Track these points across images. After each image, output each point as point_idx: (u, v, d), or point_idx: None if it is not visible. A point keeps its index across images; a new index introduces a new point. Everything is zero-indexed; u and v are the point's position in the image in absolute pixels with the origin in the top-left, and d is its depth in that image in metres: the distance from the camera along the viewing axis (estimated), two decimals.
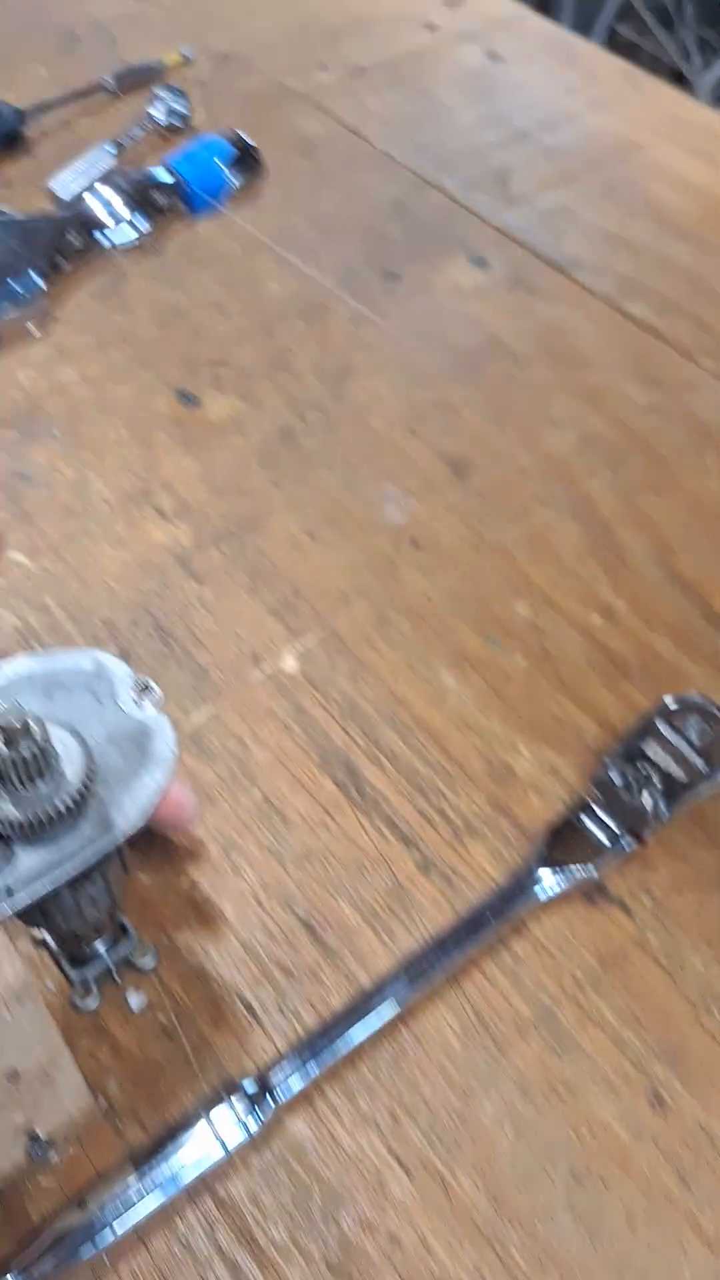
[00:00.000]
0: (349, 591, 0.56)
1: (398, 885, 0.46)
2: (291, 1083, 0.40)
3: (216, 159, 0.29)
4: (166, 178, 0.28)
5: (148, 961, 0.43)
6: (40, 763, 0.31)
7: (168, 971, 0.44)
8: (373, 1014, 0.41)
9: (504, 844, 0.47)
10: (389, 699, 0.52)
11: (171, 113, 0.83)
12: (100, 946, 0.42)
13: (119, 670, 0.36)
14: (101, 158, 0.80)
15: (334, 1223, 0.38)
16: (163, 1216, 0.38)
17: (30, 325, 0.23)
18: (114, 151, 0.80)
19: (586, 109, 0.88)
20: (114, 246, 0.27)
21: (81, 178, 0.78)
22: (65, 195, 0.77)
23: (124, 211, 0.26)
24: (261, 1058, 0.42)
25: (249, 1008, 0.43)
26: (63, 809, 0.31)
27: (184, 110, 0.84)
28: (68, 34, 0.93)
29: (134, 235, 0.28)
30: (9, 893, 0.32)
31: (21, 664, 0.36)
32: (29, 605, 0.55)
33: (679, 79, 1.99)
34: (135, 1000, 0.43)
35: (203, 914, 0.45)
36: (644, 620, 0.55)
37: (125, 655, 0.53)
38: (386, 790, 0.49)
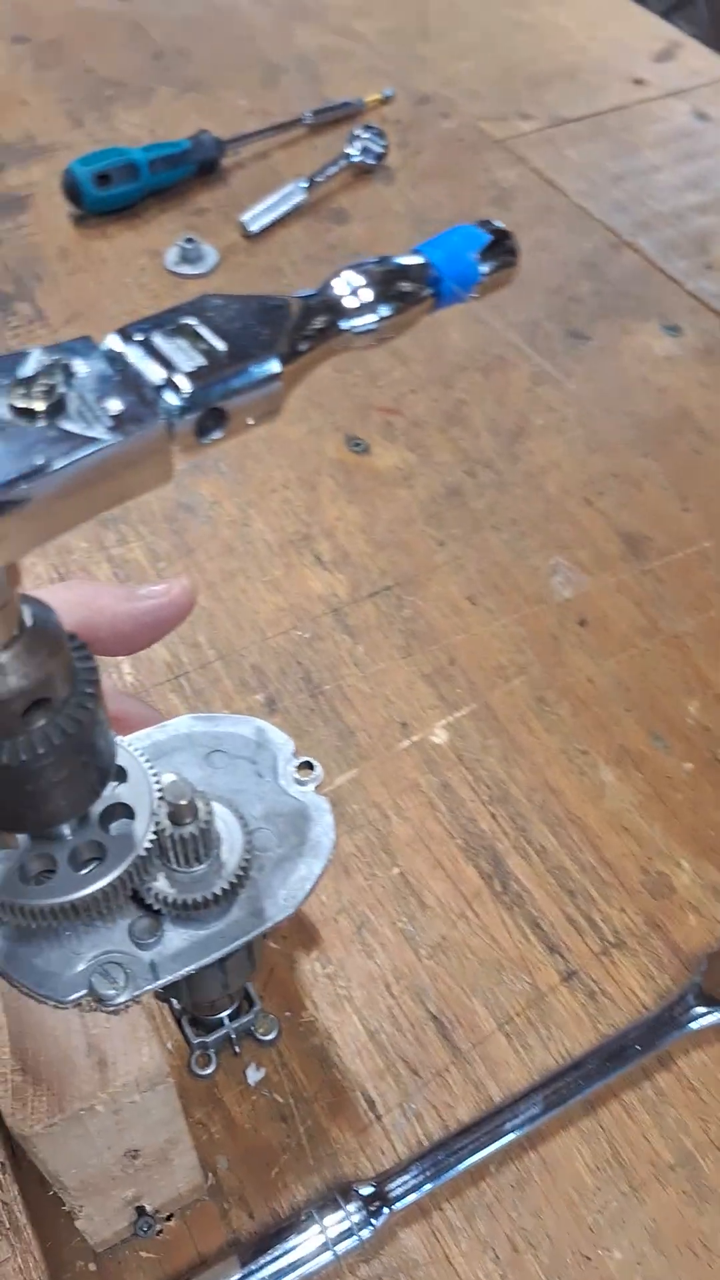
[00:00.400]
0: (508, 665, 0.54)
1: (537, 993, 0.43)
2: (409, 1194, 0.37)
3: (471, 252, 0.28)
4: (417, 265, 0.27)
5: (270, 1035, 0.42)
6: (202, 844, 0.29)
7: (289, 1048, 0.42)
8: (500, 1136, 0.38)
9: (656, 965, 0.44)
10: (542, 787, 0.49)
11: (366, 151, 0.83)
12: (224, 1014, 0.41)
13: (281, 743, 0.35)
14: (294, 193, 0.80)
15: None
16: None
17: (250, 420, 0.22)
18: (306, 186, 0.80)
19: None
20: (355, 333, 0.26)
21: (270, 212, 0.79)
22: (253, 228, 0.78)
23: (368, 296, 0.25)
24: (378, 1159, 0.39)
25: (370, 1102, 0.41)
26: (219, 894, 0.30)
27: (380, 149, 0.83)
28: (273, 67, 0.94)
29: (375, 321, 0.26)
30: (154, 970, 0.30)
31: (184, 723, 0.35)
32: (181, 640, 0.54)
33: None
34: (254, 1075, 0.41)
35: (330, 992, 0.43)
36: None
37: (272, 704, 0.51)
38: (533, 887, 0.46)
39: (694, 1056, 0.42)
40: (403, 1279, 0.37)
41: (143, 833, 0.29)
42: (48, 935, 0.30)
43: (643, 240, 0.78)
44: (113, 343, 0.23)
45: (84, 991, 0.30)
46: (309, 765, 0.34)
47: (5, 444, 0.20)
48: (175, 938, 0.31)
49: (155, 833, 0.29)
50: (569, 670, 0.53)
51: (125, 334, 0.23)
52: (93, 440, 0.20)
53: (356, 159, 0.83)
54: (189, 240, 0.75)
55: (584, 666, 0.54)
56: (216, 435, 0.23)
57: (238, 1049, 0.41)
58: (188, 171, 0.81)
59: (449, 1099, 0.41)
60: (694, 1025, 0.41)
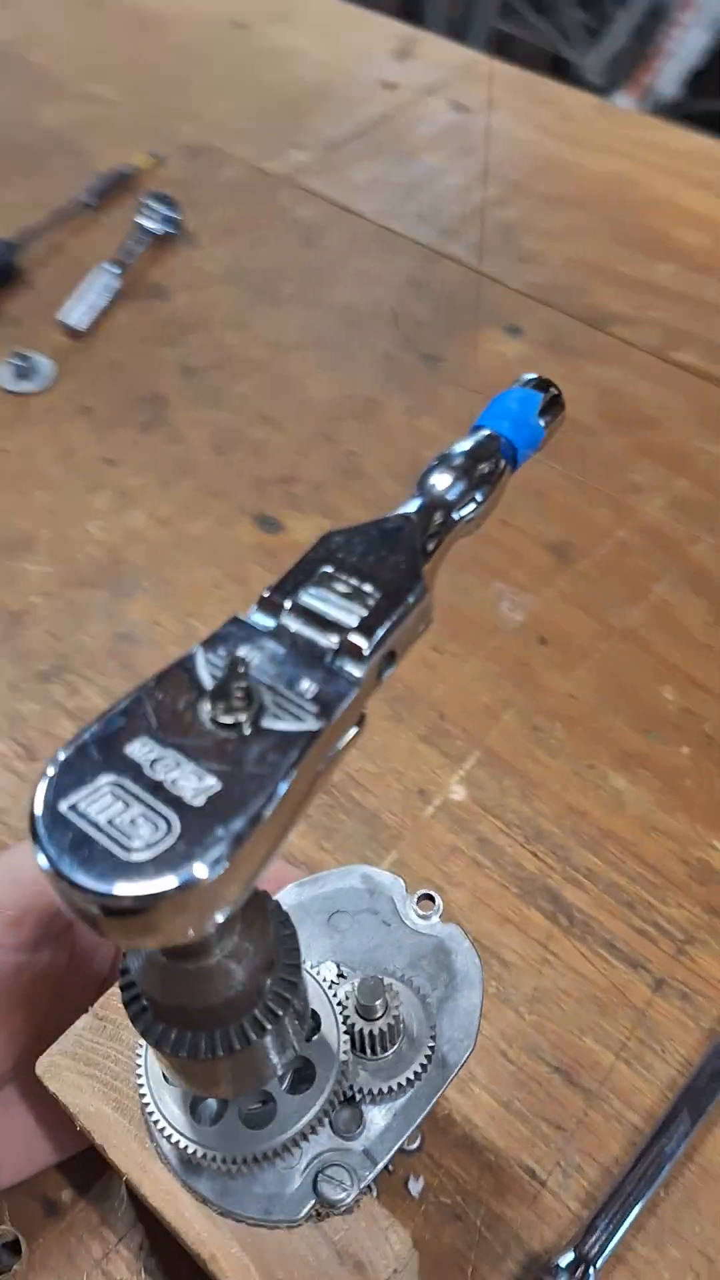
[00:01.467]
0: (492, 704, 0.55)
1: (637, 1012, 0.45)
2: (605, 1247, 0.39)
3: (533, 415, 0.29)
4: (491, 444, 0.28)
5: (415, 1144, 0.42)
6: (396, 1030, 0.30)
7: (436, 1148, 0.43)
8: (665, 1161, 0.41)
9: None
10: (567, 812, 0.51)
11: (166, 220, 0.82)
12: None
13: (391, 883, 0.36)
14: (104, 279, 0.78)
15: None
16: None
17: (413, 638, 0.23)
18: (117, 271, 0.78)
19: (569, 149, 0.88)
20: (464, 522, 0.27)
21: (89, 306, 0.77)
22: (79, 325, 0.76)
23: (463, 487, 0.26)
24: (558, 1224, 0.41)
25: (529, 1172, 0.42)
26: (421, 1070, 0.30)
27: (175, 215, 0.82)
28: (30, 152, 0.91)
29: (475, 507, 0.27)
30: (369, 1157, 0.31)
31: (291, 893, 0.35)
32: None
33: (558, 65, 1.99)
34: (415, 1186, 0.42)
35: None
36: None
37: None
38: (594, 912, 0.48)
39: None
40: None
41: (335, 1036, 0.29)
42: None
43: (455, 248, 0.80)
44: (261, 617, 0.23)
45: (313, 1202, 0.30)
46: (429, 898, 0.35)
47: (222, 765, 0.20)
48: (377, 1116, 0.31)
49: (347, 1031, 0.30)
50: (549, 691, 0.56)
51: (270, 604, 0.23)
52: (306, 734, 0.20)
53: (154, 229, 0.81)
54: (17, 356, 0.73)
55: (560, 684, 0.56)
56: (391, 669, 0.23)
57: (390, 1168, 0.42)
58: None
59: (598, 1141, 0.43)
60: None
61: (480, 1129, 0.43)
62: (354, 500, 0.64)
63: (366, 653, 0.22)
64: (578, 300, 0.75)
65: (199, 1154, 0.29)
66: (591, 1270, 0.39)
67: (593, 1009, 0.46)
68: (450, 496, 0.27)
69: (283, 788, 0.20)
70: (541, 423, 0.29)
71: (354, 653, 0.22)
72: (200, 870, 0.18)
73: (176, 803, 0.19)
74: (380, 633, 0.23)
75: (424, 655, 0.57)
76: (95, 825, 0.19)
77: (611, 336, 0.73)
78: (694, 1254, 0.40)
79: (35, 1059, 0.38)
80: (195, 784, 0.19)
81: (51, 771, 0.20)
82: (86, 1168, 0.43)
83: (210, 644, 0.22)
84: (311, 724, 0.21)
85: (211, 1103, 0.29)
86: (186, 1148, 0.29)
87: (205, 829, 0.19)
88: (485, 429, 0.29)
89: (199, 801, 0.19)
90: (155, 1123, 0.29)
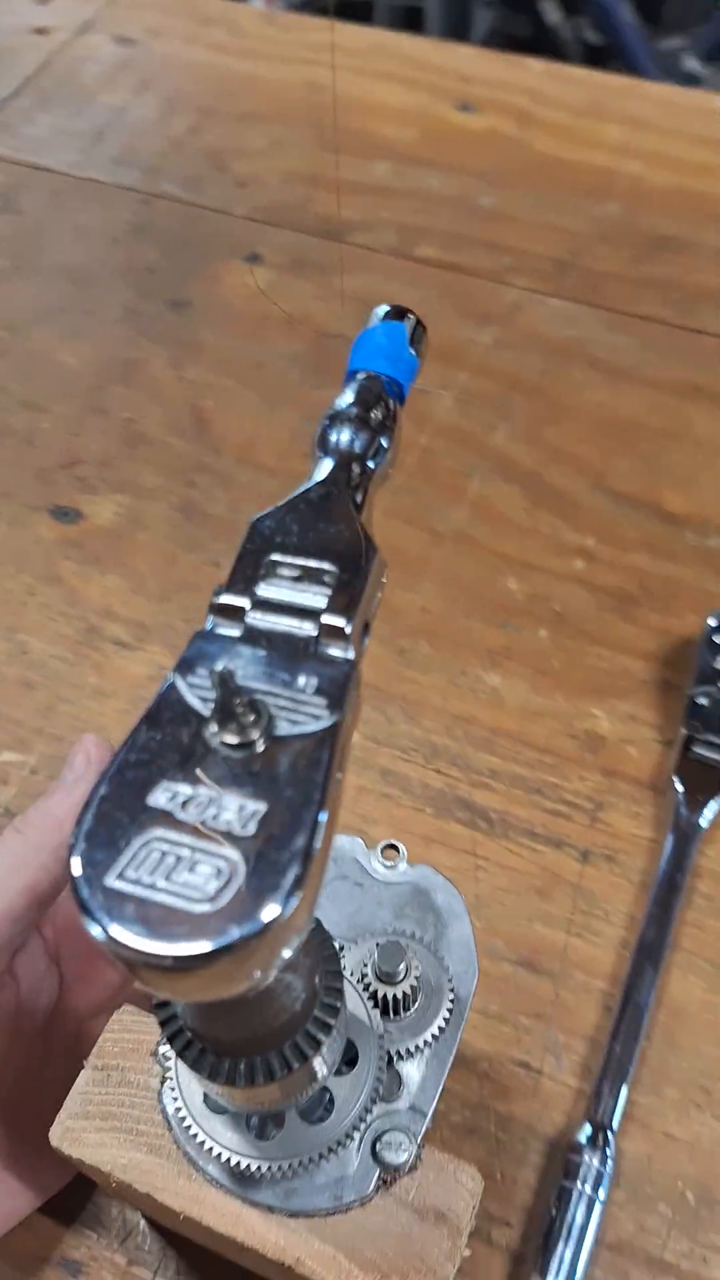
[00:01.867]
0: None
1: (573, 887, 0.47)
2: (615, 1109, 0.41)
3: (405, 348, 0.28)
4: (375, 384, 0.27)
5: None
6: (418, 987, 0.30)
7: None
8: (642, 1013, 0.43)
9: (633, 803, 0.49)
10: (455, 722, 0.52)
11: None
12: None
13: (349, 844, 0.35)
14: None
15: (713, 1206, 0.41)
16: None
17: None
18: None
19: (250, 64, 0.85)
20: (381, 469, 0.26)
21: None
22: None
23: (367, 438, 0.25)
24: (568, 1103, 0.43)
25: (523, 1066, 0.43)
26: (449, 1017, 0.30)
27: None
28: None
29: (387, 451, 0.26)
30: (417, 1111, 0.31)
31: None
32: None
33: None
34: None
35: None
36: (617, 546, 0.57)
37: None
38: (508, 807, 0.49)
39: (713, 849, 0.48)
40: (651, 1177, 0.41)
41: (363, 1009, 0.29)
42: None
43: (165, 185, 0.77)
44: (223, 623, 0.21)
45: (378, 1172, 0.30)
46: (392, 848, 0.35)
47: (257, 785, 0.19)
48: (412, 1070, 0.31)
49: (371, 999, 0.29)
50: (402, 612, 0.56)
51: (227, 609, 0.21)
52: (329, 729, 0.19)
53: None
54: None
55: (411, 601, 0.56)
56: (368, 637, 0.22)
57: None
58: None
59: (575, 1016, 0.44)
60: (702, 823, 0.47)
61: (466, 1042, 0.44)
62: (148, 468, 0.62)
63: (349, 631, 0.21)
64: (306, 214, 0.74)
65: (262, 1169, 0.28)
66: (610, 1134, 0.41)
67: (533, 897, 0.47)
68: (358, 449, 0.26)
69: (329, 789, 0.19)
70: (414, 352, 0.29)
71: (337, 634, 0.21)
72: (288, 894, 0.17)
73: (227, 837, 0.18)
74: (354, 607, 0.22)
75: None
76: (154, 888, 0.17)
77: (350, 244, 0.72)
78: (690, 1088, 0.43)
79: (5, 1123, 0.36)
80: (237, 813, 0.18)
81: (80, 849, 0.18)
82: (94, 1217, 0.41)
83: (184, 667, 0.21)
84: (327, 717, 0.20)
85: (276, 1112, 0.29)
86: (247, 1166, 0.28)
87: (270, 852, 0.18)
88: (363, 372, 0.28)
89: (250, 829, 0.18)
90: (209, 1150, 0.28)
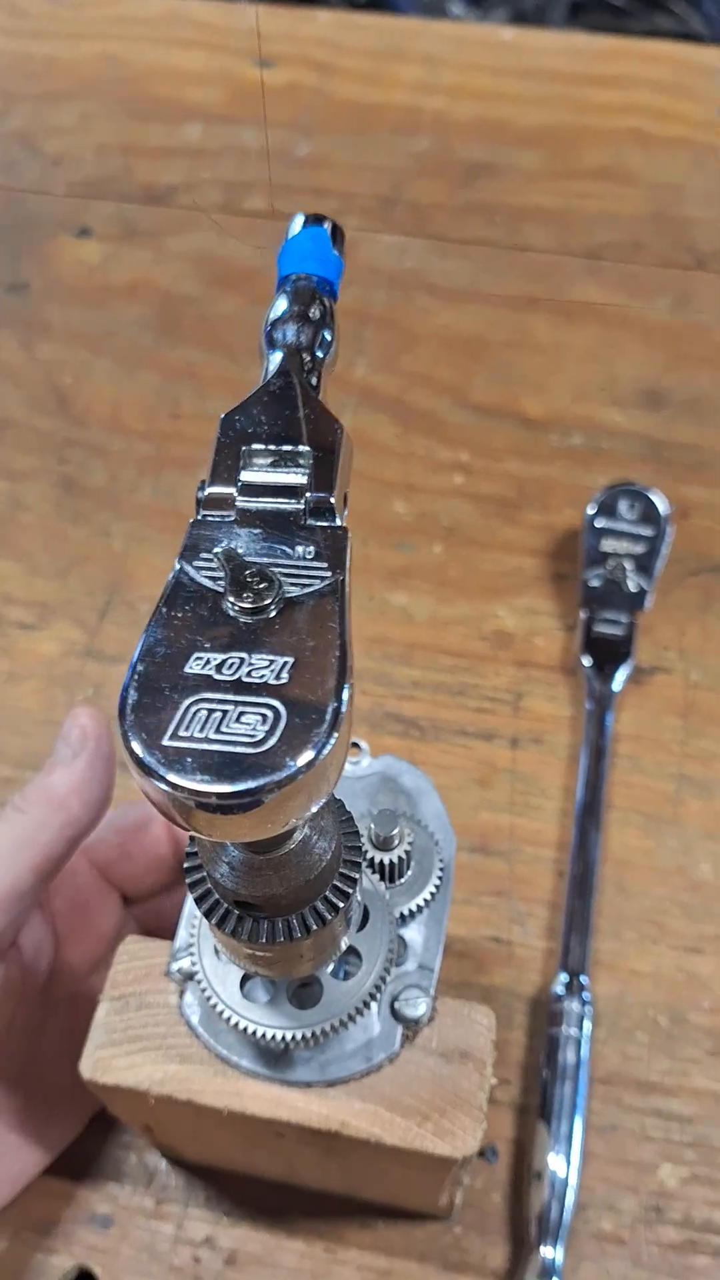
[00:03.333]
0: None
1: (508, 772, 0.50)
2: (582, 957, 0.44)
3: (330, 249, 0.29)
4: (309, 284, 0.28)
5: None
6: (412, 851, 0.32)
7: None
8: (593, 869, 0.46)
9: (548, 687, 0.53)
10: (372, 644, 0.54)
11: None
12: None
13: None
14: None
15: None
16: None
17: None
18: None
19: (41, 44, 0.84)
20: (329, 359, 0.28)
21: None
22: None
23: (314, 332, 0.26)
24: (535, 964, 0.46)
25: (494, 940, 0.46)
26: (441, 878, 0.32)
27: None
28: None
29: (330, 341, 0.28)
30: (425, 967, 0.33)
31: None
32: None
33: None
34: None
35: None
36: (489, 457, 0.60)
37: None
38: (435, 712, 0.52)
39: (627, 712, 0.51)
40: (623, 1020, 0.45)
41: (370, 880, 0.31)
42: None
43: None
44: (213, 513, 0.23)
45: (401, 1029, 0.32)
46: (354, 745, 0.36)
47: (281, 640, 0.20)
48: (414, 933, 0.33)
49: (370, 865, 0.31)
50: None
51: (213, 500, 0.23)
52: (335, 584, 0.21)
53: None
54: None
55: None
56: (346, 509, 0.24)
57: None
58: None
59: (533, 885, 0.47)
60: (615, 688, 0.51)
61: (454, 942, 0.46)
62: (17, 451, 0.61)
63: (334, 499, 0.23)
64: (129, 184, 0.74)
65: (298, 1036, 0.30)
66: (584, 978, 0.44)
67: (474, 789, 0.50)
68: (305, 341, 0.28)
69: (346, 633, 0.20)
70: (338, 253, 0.30)
71: (323, 505, 0.23)
72: (334, 725, 0.19)
73: (265, 688, 0.19)
74: (335, 479, 0.23)
75: (169, 567, 0.57)
76: (208, 740, 0.19)
77: (177, 208, 0.73)
78: (645, 926, 0.46)
79: (8, 1083, 0.36)
80: (270, 666, 0.20)
81: (130, 721, 0.19)
82: (114, 1169, 0.42)
83: (187, 554, 0.22)
84: (331, 576, 0.21)
85: (299, 981, 0.30)
86: (283, 1037, 0.30)
87: (307, 695, 0.19)
88: (293, 275, 0.29)
89: (285, 677, 0.20)
90: (248, 1031, 0.29)
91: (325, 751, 0.19)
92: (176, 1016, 0.33)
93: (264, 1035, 0.29)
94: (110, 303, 0.68)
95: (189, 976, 0.32)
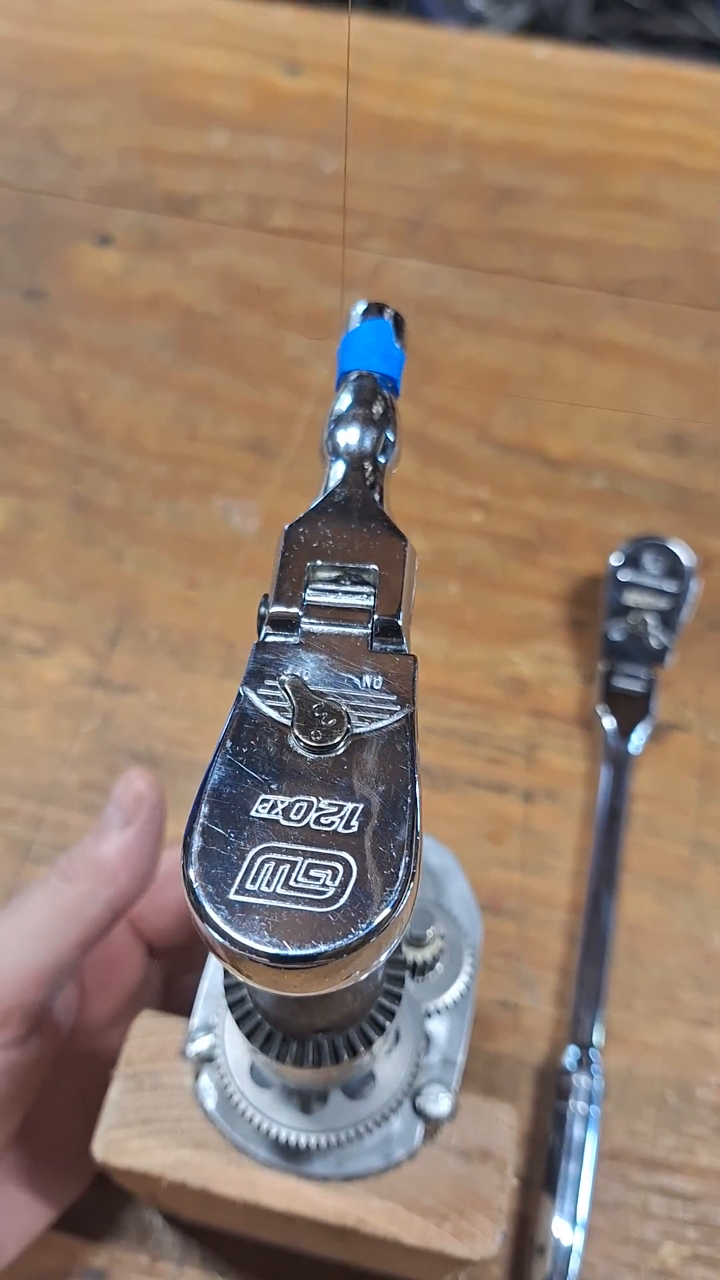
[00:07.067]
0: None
1: (520, 828, 0.50)
2: (593, 1030, 0.44)
3: (392, 342, 0.28)
4: (371, 382, 0.27)
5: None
6: (443, 947, 0.31)
7: None
8: (606, 936, 0.46)
9: (564, 740, 0.52)
10: None
11: None
12: None
13: None
14: None
15: None
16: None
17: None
18: None
19: (63, 36, 0.82)
20: (389, 466, 0.27)
21: None
22: None
23: (377, 434, 0.25)
24: (544, 1032, 0.45)
25: (502, 1005, 0.46)
26: (472, 975, 0.32)
27: None
28: None
29: (393, 447, 0.27)
30: (448, 1061, 0.32)
31: None
32: None
33: None
34: None
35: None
36: (509, 496, 0.59)
37: None
38: (446, 760, 0.51)
39: (643, 772, 0.51)
40: (631, 1095, 0.44)
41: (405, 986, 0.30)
42: None
43: None
44: (277, 633, 0.22)
45: (421, 1125, 0.31)
46: None
47: (350, 784, 0.19)
48: (439, 1027, 0.33)
49: (403, 964, 0.30)
50: None
51: (282, 619, 0.22)
52: (405, 719, 0.20)
53: None
54: None
55: None
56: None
57: None
58: None
59: (543, 949, 0.47)
60: (632, 749, 0.50)
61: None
62: (32, 467, 0.60)
63: (402, 622, 0.22)
64: (151, 191, 0.72)
65: (314, 1141, 0.29)
66: (594, 1051, 0.43)
67: (484, 844, 0.49)
68: (369, 447, 0.27)
69: (416, 775, 0.20)
70: (400, 345, 0.29)
71: (390, 629, 0.22)
72: (404, 884, 0.18)
73: (334, 838, 0.19)
74: (401, 600, 0.23)
75: (182, 595, 0.56)
76: (276, 895, 0.18)
77: (201, 220, 0.71)
78: (657, 997, 0.46)
79: (21, 1139, 0.36)
80: (338, 813, 0.19)
81: (195, 870, 0.18)
82: (111, 1224, 0.41)
83: (252, 680, 0.21)
84: (400, 710, 0.20)
85: (321, 1092, 0.29)
86: (300, 1140, 0.29)
87: (378, 846, 0.18)
88: (355, 372, 0.28)
89: (355, 826, 0.19)
90: (261, 1129, 0.29)
91: (397, 911, 0.18)
92: (191, 1100, 0.32)
93: (273, 1132, 0.28)
94: (130, 316, 0.66)
95: (207, 1059, 0.31)
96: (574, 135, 0.75)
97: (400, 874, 0.18)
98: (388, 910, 0.18)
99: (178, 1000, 0.39)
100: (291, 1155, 0.30)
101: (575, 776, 0.51)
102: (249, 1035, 0.24)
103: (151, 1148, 0.31)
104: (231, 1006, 0.24)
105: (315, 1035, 0.24)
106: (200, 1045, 0.31)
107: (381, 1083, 0.29)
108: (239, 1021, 0.24)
